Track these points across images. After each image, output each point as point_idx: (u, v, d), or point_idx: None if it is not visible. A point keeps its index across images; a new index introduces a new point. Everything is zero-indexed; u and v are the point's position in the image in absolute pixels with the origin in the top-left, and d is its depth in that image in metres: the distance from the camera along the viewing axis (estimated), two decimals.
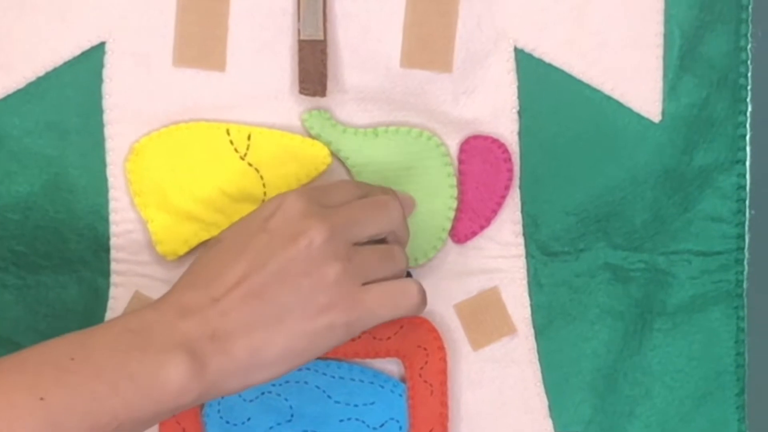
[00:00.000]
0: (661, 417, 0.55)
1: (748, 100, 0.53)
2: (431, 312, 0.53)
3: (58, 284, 0.53)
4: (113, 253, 0.53)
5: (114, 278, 0.53)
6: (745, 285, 0.55)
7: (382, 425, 0.53)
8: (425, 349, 0.52)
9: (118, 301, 0.53)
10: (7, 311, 0.53)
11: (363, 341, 0.51)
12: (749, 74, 0.53)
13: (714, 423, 0.55)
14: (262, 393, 0.53)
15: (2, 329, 0.53)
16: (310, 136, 0.51)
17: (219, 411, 0.53)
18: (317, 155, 0.51)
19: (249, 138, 0.51)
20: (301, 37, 0.49)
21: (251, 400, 0.53)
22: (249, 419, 0.53)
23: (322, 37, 0.49)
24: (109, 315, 0.53)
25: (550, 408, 0.55)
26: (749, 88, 0.53)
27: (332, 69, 0.50)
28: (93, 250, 0.53)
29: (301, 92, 0.50)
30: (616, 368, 0.55)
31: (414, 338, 0.52)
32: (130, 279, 0.53)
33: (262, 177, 0.51)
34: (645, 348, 0.55)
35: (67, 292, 0.54)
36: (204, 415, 0.53)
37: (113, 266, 0.53)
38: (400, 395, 0.53)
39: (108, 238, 0.53)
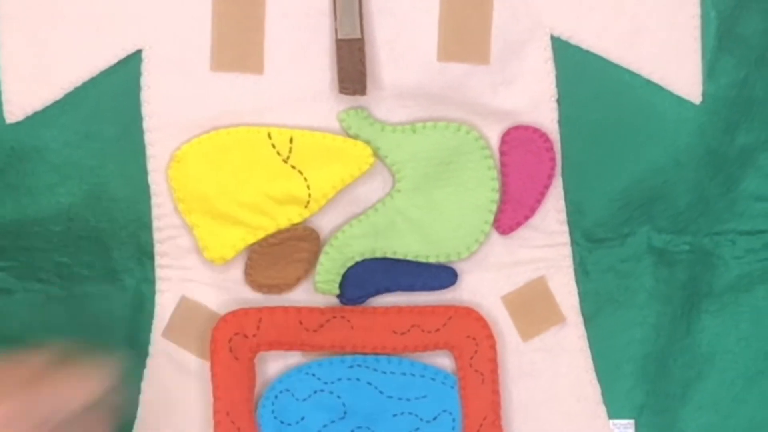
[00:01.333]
0: (714, 398, 0.56)
1: None
2: (479, 305, 0.54)
3: (103, 294, 0.54)
4: (158, 260, 0.53)
5: (159, 285, 0.54)
6: None
7: (435, 418, 0.54)
8: (474, 338, 0.52)
9: (164, 308, 0.54)
10: (52, 322, 0.54)
11: (412, 335, 0.52)
12: None
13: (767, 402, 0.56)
14: (315, 392, 0.53)
15: (48, 341, 0.53)
16: (349, 135, 0.51)
17: (273, 411, 0.53)
18: (360, 155, 0.51)
19: (291, 141, 0.51)
20: (339, 37, 0.49)
21: (304, 399, 0.53)
22: (303, 418, 0.54)
23: (359, 35, 0.49)
24: (156, 322, 0.54)
25: (603, 395, 0.56)
26: None
27: (369, 66, 0.50)
28: (137, 258, 0.53)
29: (341, 92, 0.50)
30: (665, 352, 0.56)
31: (462, 328, 0.52)
32: (176, 284, 0.53)
33: (306, 179, 0.51)
34: (694, 330, 0.56)
35: (111, 302, 0.54)
36: (258, 416, 0.53)
37: (158, 273, 0.53)
38: (452, 387, 0.54)
39: (152, 245, 0.53)
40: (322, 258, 0.53)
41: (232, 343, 0.50)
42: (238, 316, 0.51)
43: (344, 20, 0.49)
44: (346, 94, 0.50)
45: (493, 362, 0.53)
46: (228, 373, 0.51)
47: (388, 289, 0.54)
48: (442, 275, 0.54)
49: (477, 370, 0.53)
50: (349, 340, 0.52)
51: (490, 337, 0.53)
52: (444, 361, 0.54)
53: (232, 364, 0.50)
